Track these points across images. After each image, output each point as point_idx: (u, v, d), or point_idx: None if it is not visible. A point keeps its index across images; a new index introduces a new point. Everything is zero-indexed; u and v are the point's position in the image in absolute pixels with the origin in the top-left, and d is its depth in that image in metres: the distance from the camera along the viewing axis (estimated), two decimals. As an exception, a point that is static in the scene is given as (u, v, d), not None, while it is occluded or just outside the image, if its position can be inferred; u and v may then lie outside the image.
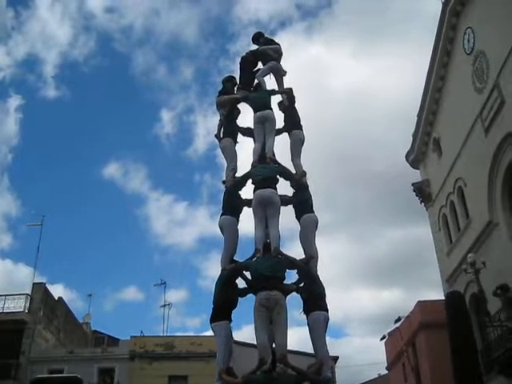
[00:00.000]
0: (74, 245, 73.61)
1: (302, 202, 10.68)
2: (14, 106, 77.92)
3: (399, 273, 71.54)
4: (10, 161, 76.11)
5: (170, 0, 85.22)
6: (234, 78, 13.09)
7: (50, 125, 77.38)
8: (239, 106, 12.64)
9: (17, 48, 79.70)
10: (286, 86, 12.83)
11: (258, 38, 13.57)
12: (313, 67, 75.63)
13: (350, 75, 77.42)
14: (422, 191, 27.25)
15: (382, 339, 30.00)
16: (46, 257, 67.55)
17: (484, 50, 20.32)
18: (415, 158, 28.38)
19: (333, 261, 70.50)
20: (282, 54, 13.27)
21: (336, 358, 28.89)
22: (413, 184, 27.79)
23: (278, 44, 13.43)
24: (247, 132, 12.13)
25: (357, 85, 72.25)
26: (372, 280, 75.06)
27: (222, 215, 10.72)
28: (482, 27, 20.58)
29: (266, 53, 13.02)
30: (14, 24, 78.57)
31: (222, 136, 12.07)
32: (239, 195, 11.11)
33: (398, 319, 26.56)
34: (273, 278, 9.06)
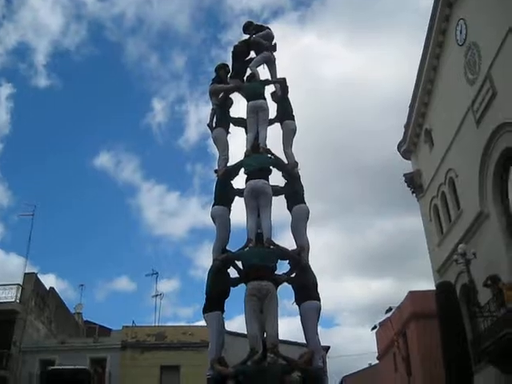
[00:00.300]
0: (66, 235, 73.52)
1: (294, 193, 10.72)
2: (5, 95, 77.45)
3: (391, 263, 71.96)
4: (1, 150, 75.60)
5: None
6: (227, 65, 13.06)
7: (41, 114, 76.96)
8: (232, 95, 12.63)
9: (8, 36, 79.11)
10: (278, 75, 12.83)
11: (248, 27, 13.57)
12: (305, 57, 75.53)
13: (343, 65, 77.44)
14: (414, 182, 27.29)
15: (372, 329, 30.19)
16: (39, 247, 67.32)
17: (476, 42, 20.31)
18: (407, 149, 28.41)
19: (324, 251, 70.81)
20: (273, 37, 13.34)
21: (327, 348, 29.02)
22: (404, 175, 27.82)
23: (268, 28, 13.46)
24: (240, 122, 12.11)
25: (349, 75, 72.33)
26: (363, 270, 75.46)
27: (213, 205, 10.73)
28: (474, 18, 20.55)
29: (259, 42, 13.03)
30: (5, 12, 77.84)
31: (214, 126, 12.05)
32: (231, 185, 11.12)
33: (389, 309, 26.68)
34: (264, 268, 9.11)
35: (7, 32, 78.13)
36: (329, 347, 29.72)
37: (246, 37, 13.54)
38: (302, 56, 75.11)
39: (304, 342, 9.48)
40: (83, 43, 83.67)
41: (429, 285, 26.93)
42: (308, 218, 10.51)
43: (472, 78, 20.55)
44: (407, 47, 69.68)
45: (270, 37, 13.30)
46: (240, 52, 13.21)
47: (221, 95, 12.40)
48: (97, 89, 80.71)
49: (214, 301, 9.50)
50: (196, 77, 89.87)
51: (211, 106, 12.53)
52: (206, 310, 9.50)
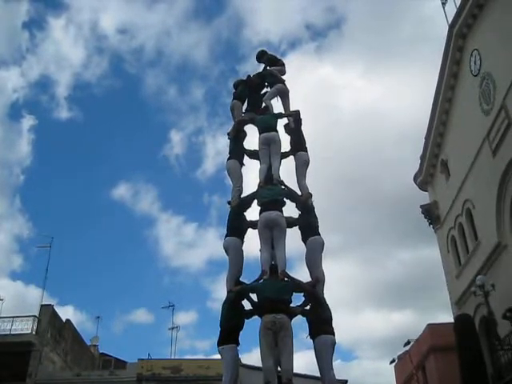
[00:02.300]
0: (84, 266, 73.57)
1: (308, 225, 10.67)
2: (27, 127, 78.59)
3: (409, 295, 70.72)
4: (22, 182, 76.54)
5: (180, 22, 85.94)
6: (246, 80, 13.40)
7: (61, 146, 77.82)
8: (246, 128, 12.73)
9: (31, 69, 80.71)
10: (294, 106, 12.95)
11: (261, 55, 13.77)
12: (322, 87, 75.84)
13: (359, 96, 77.38)
14: (431, 213, 27.14)
15: (391, 363, 29.62)
16: (57, 278, 67.36)
17: (491, 72, 20.38)
18: (423, 180, 28.34)
19: (342, 283, 69.87)
20: (285, 73, 13.52)
21: (345, 382, 28.51)
22: (421, 206, 27.67)
23: (283, 64, 13.62)
24: (254, 154, 12.17)
25: (365, 105, 72.11)
26: (382, 302, 74.29)
27: (226, 236, 10.74)
28: (488, 49, 20.66)
29: (273, 74, 13.19)
30: (29, 46, 79.77)
31: (228, 157, 12.15)
32: (244, 216, 11.12)
33: (408, 342, 26.24)
34: (279, 300, 9.02)
35: (30, 65, 79.93)
36: (346, 381, 29.16)
37: (260, 67, 13.77)
38: (319, 87, 75.55)
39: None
40: (104, 76, 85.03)
41: (449, 317, 26.57)
42: (323, 249, 10.43)
43: (487, 109, 20.56)
44: (424, 77, 69.65)
45: (284, 73, 13.48)
46: (255, 85, 13.36)
47: (234, 127, 12.55)
48: (116, 120, 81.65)
49: (229, 333, 9.42)
50: (214, 108, 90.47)
51: (232, 121, 12.93)
52: (221, 342, 9.41)
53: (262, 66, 13.95)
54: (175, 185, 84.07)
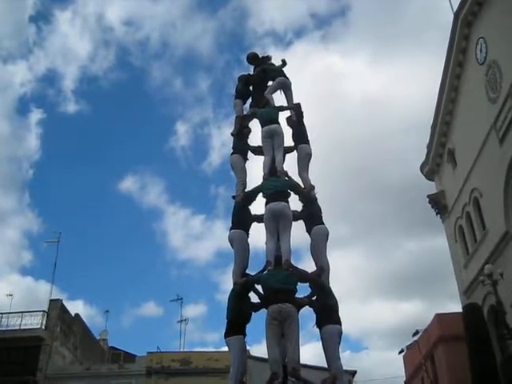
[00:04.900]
0: (92, 260, 73.88)
1: (312, 215, 10.69)
2: (35, 121, 78.89)
3: (418, 284, 70.54)
4: (31, 177, 76.79)
5: (185, 13, 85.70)
6: (248, 76, 13.43)
7: (69, 139, 77.90)
8: (250, 124, 12.71)
9: (38, 63, 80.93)
10: (300, 95, 12.98)
11: (254, 58, 13.72)
12: (328, 76, 75.50)
13: (365, 84, 76.91)
14: (438, 203, 27.05)
15: (400, 353, 29.61)
16: (67, 273, 67.66)
17: (497, 60, 20.24)
18: (430, 170, 28.23)
19: (350, 273, 69.94)
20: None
21: (354, 373, 28.54)
22: (428, 196, 27.59)
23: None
24: (258, 151, 12.17)
25: (372, 94, 71.68)
26: (391, 292, 74.20)
27: (231, 229, 10.74)
28: (494, 37, 20.52)
29: (275, 69, 13.18)
30: (36, 39, 80.00)
31: (231, 152, 12.16)
32: (249, 209, 11.13)
33: (416, 332, 26.23)
34: (284, 291, 9.01)
35: (37, 59, 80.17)
36: (355, 371, 29.21)
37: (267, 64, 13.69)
38: (325, 75, 75.23)
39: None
40: (110, 68, 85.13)
41: (457, 306, 26.52)
42: (327, 238, 10.44)
43: (494, 97, 20.44)
44: (430, 65, 69.12)
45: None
46: (258, 80, 13.33)
47: (237, 122, 12.54)
48: (122, 113, 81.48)
49: (235, 325, 9.43)
50: (220, 99, 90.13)
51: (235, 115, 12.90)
52: (227, 334, 9.43)
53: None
54: (182, 177, 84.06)
